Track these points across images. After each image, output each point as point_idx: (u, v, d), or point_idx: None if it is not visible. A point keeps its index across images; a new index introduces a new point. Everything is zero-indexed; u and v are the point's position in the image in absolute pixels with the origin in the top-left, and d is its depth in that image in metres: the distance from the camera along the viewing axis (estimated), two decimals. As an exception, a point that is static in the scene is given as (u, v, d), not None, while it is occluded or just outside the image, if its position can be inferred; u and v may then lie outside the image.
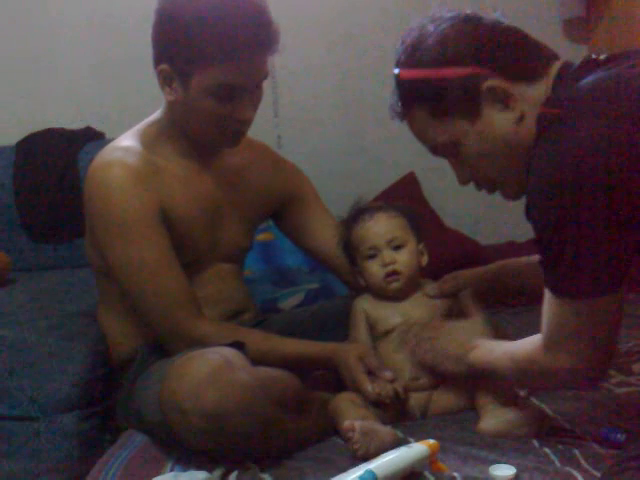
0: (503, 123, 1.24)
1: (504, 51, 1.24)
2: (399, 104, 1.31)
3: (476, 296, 1.57)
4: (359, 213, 1.64)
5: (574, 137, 1.11)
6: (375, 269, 1.58)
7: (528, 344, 1.28)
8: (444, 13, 1.29)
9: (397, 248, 1.58)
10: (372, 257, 1.59)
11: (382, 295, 1.60)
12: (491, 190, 1.34)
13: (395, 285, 1.58)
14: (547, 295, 1.20)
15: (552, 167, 1.13)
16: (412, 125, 1.32)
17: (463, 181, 1.34)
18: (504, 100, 1.23)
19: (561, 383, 1.33)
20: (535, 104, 1.22)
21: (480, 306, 1.55)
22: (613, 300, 1.16)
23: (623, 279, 1.15)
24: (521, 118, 1.23)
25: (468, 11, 1.29)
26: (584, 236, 1.12)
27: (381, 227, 1.59)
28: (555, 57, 1.27)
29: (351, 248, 1.63)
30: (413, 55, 1.27)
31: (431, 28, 1.26)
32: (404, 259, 1.58)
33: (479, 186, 1.34)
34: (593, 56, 1.23)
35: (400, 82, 1.30)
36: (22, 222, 2.39)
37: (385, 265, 1.57)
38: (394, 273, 1.57)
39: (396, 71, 1.30)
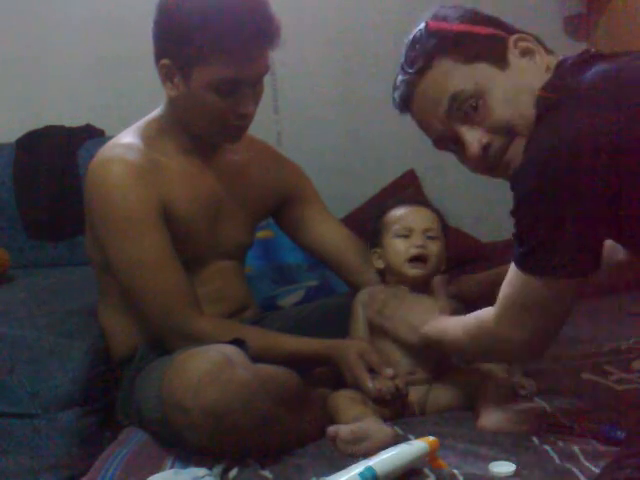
0: (531, 71, 1.25)
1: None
2: (420, 59, 1.27)
3: (447, 283, 1.60)
4: (400, 201, 1.66)
5: (569, 121, 1.12)
6: (402, 247, 1.59)
7: (480, 314, 1.31)
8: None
9: (430, 239, 1.60)
10: (403, 237, 1.60)
11: (397, 279, 1.60)
12: (502, 149, 1.25)
13: (416, 272, 1.58)
14: (512, 268, 1.22)
15: (543, 148, 1.14)
16: (429, 86, 1.27)
17: (474, 152, 1.25)
18: (529, 54, 1.26)
19: (506, 354, 1.36)
20: (550, 68, 1.24)
21: (448, 292, 1.58)
22: (576, 285, 1.18)
23: (593, 267, 1.16)
24: (547, 69, 1.25)
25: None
26: (561, 217, 1.12)
27: (422, 214, 1.63)
28: (552, 53, 1.28)
29: (381, 227, 1.64)
30: (440, 13, 1.30)
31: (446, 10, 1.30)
32: (434, 249, 1.59)
33: (490, 147, 1.25)
34: (592, 50, 1.24)
35: (428, 33, 1.27)
36: (22, 220, 2.39)
37: (416, 246, 1.58)
38: (422, 259, 1.58)
39: (423, 24, 1.28)
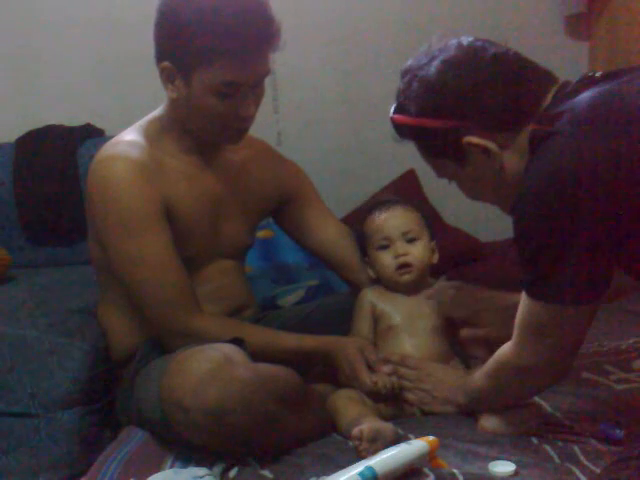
0: (488, 169, 1.26)
1: (488, 104, 1.22)
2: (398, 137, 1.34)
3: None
4: (376, 204, 1.65)
5: (567, 150, 1.12)
6: (387, 260, 1.59)
7: (498, 353, 1.31)
8: (440, 45, 1.27)
9: (411, 241, 1.59)
10: (384, 248, 1.60)
11: (392, 287, 1.60)
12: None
13: (407, 277, 1.58)
14: (523, 298, 1.22)
15: (542, 177, 1.14)
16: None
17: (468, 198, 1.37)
18: (485, 152, 1.23)
19: (532, 384, 1.32)
20: (521, 147, 1.21)
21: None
22: (586, 311, 1.18)
23: (601, 292, 1.16)
24: (501, 168, 1.24)
25: (466, 42, 1.26)
26: (562, 246, 1.13)
27: (397, 219, 1.61)
28: (553, 81, 1.25)
29: (364, 238, 1.64)
30: (402, 101, 1.29)
31: (420, 71, 1.26)
32: (417, 252, 1.59)
33: None
34: (589, 74, 1.23)
35: (394, 124, 1.32)
36: (20, 221, 2.38)
37: (398, 256, 1.57)
38: (407, 265, 1.57)
39: (391, 112, 1.32)
